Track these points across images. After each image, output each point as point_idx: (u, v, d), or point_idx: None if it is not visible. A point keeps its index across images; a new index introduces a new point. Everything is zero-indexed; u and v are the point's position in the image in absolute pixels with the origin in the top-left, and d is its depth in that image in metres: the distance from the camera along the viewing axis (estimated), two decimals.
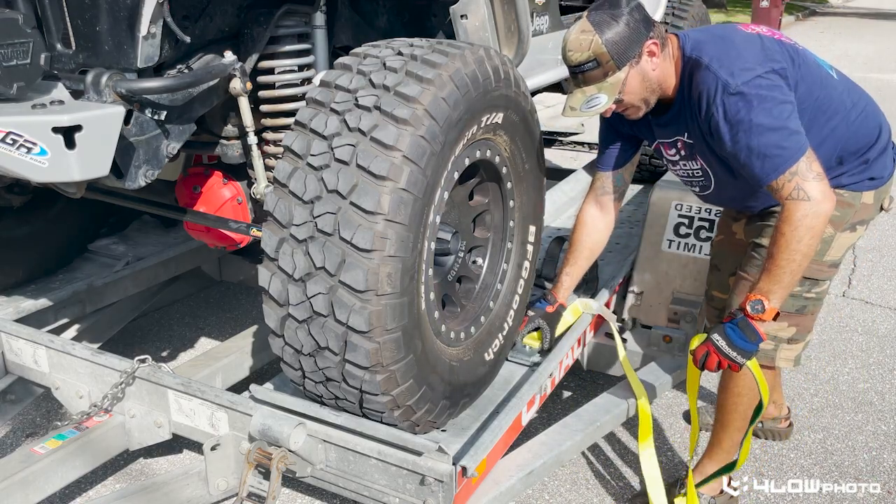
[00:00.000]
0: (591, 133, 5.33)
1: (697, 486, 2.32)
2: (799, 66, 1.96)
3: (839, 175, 2.04)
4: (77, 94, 1.72)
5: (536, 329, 2.37)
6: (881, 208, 2.16)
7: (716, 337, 1.94)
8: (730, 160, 1.94)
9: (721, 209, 2.73)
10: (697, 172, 2.16)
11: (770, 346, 2.14)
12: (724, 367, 1.94)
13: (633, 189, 4.05)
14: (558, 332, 2.43)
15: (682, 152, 2.13)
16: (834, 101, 2.01)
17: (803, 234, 1.81)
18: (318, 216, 1.66)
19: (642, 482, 2.43)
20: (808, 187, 1.81)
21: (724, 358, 1.93)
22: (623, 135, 2.28)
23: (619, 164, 2.31)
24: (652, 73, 1.97)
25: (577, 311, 2.53)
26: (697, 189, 2.23)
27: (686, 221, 2.84)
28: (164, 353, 3.36)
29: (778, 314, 1.91)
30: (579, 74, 1.95)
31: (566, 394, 3.06)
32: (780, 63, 1.89)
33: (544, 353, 2.37)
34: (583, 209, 2.40)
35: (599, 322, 2.70)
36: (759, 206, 2.19)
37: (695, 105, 1.94)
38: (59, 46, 1.78)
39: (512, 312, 2.30)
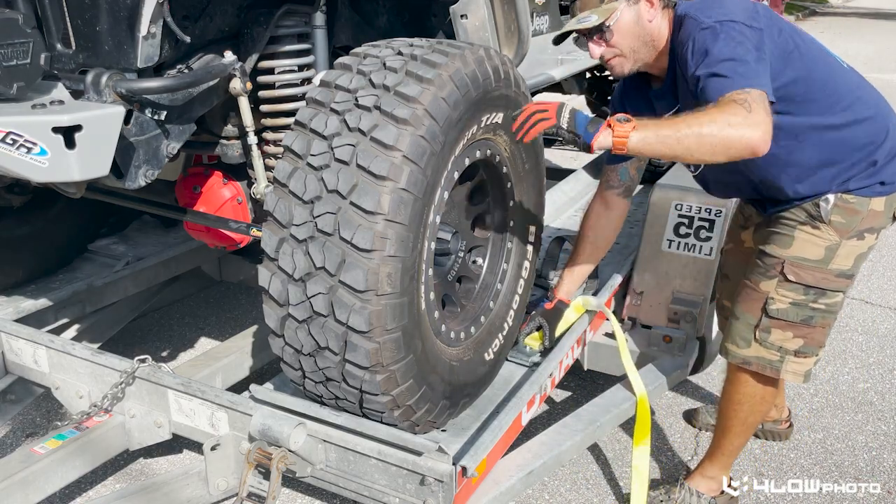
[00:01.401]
0: None
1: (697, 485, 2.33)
2: (791, 37, 1.93)
3: (847, 180, 1.99)
4: (77, 94, 1.72)
5: (538, 328, 2.37)
6: (894, 218, 2.09)
7: (569, 106, 1.81)
8: (699, 99, 1.87)
9: (721, 209, 2.74)
10: None
11: (776, 357, 2.10)
12: (538, 119, 1.79)
13: None
14: (560, 330, 2.42)
15: None
16: (840, 86, 1.98)
17: (716, 118, 1.68)
18: (318, 216, 1.66)
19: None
20: (756, 107, 1.69)
21: (546, 115, 1.79)
22: None
23: (623, 157, 2.29)
24: (647, 23, 1.99)
25: (580, 309, 2.52)
26: (692, 168, 2.20)
27: (686, 221, 2.84)
28: (164, 353, 3.36)
29: (626, 142, 1.72)
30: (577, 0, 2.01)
31: (566, 394, 3.06)
32: (761, 26, 1.86)
33: (545, 352, 2.38)
34: (589, 205, 2.41)
35: (599, 321, 2.70)
36: (751, 190, 2.14)
37: (681, 60, 1.93)
38: (59, 46, 1.79)
39: (512, 312, 2.30)
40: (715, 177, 2.19)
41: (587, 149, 1.79)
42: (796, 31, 1.98)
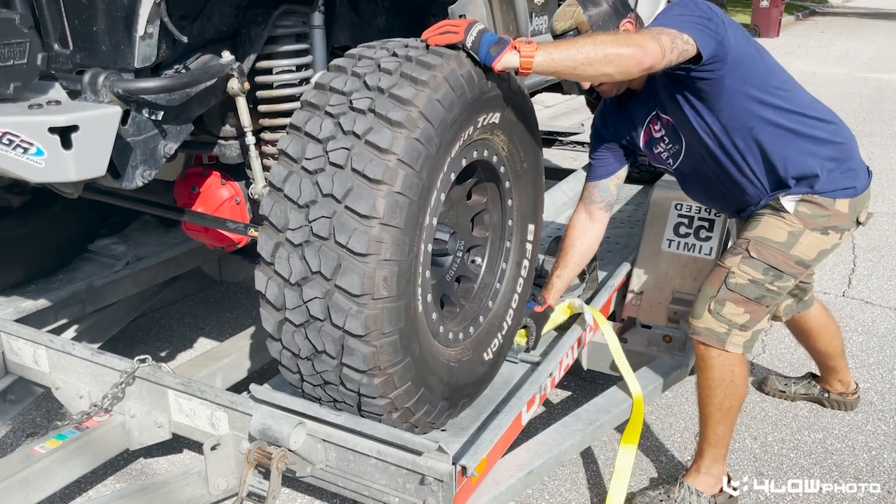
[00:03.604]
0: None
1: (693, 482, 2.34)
2: (755, 47, 2.09)
3: (805, 178, 2.13)
4: (74, 94, 1.72)
5: (524, 328, 2.43)
6: (858, 222, 2.22)
7: (479, 25, 1.87)
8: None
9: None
10: (674, 139, 2.26)
11: (723, 329, 2.19)
12: (446, 31, 1.84)
13: (633, 189, 4.06)
14: (546, 330, 2.50)
15: (663, 121, 2.26)
16: (796, 94, 2.14)
17: (610, 36, 1.91)
18: (314, 220, 1.66)
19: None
20: (647, 34, 1.89)
21: (455, 30, 1.84)
22: (609, 144, 2.41)
23: (603, 175, 2.44)
24: None
25: (567, 311, 2.58)
26: (671, 161, 2.32)
27: (686, 221, 2.84)
28: (164, 353, 3.36)
29: (531, 62, 1.82)
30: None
31: (566, 394, 3.06)
32: (723, 20, 2.00)
33: (528, 350, 2.43)
34: (573, 215, 2.51)
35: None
36: (724, 192, 2.26)
37: None
38: (56, 46, 1.78)
39: (511, 311, 2.29)
40: (692, 168, 2.30)
41: (489, 70, 1.87)
42: (762, 47, 2.15)
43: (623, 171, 2.46)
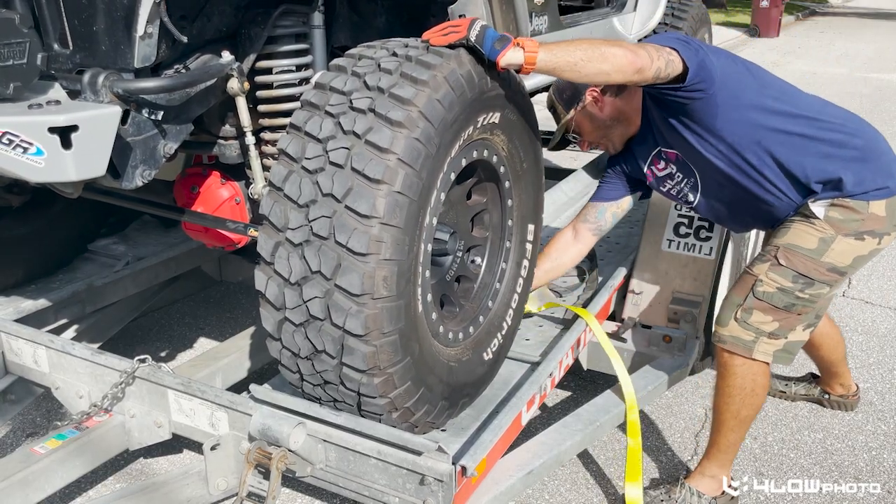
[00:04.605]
0: None
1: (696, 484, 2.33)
2: (743, 64, 2.14)
3: (831, 182, 2.07)
4: (74, 94, 1.72)
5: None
6: None
7: (481, 21, 1.89)
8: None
9: None
10: (687, 173, 2.26)
11: (750, 337, 2.15)
12: (448, 31, 1.85)
13: None
14: None
15: (669, 157, 2.27)
16: (799, 100, 2.15)
17: (608, 41, 1.93)
18: (314, 220, 1.66)
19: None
20: (640, 46, 1.95)
21: (457, 29, 1.84)
22: (619, 174, 2.47)
23: (606, 198, 2.48)
24: (600, 114, 2.32)
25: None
26: (691, 197, 2.33)
27: (686, 221, 2.84)
28: (164, 353, 3.36)
29: (533, 63, 1.85)
30: (553, 117, 2.43)
31: (566, 394, 3.06)
32: (703, 47, 2.03)
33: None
34: (564, 228, 2.55)
35: (602, 320, 2.70)
36: (754, 213, 2.24)
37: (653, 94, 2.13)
38: (56, 46, 1.78)
39: (511, 311, 2.29)
40: (715, 198, 2.29)
41: (493, 66, 1.87)
42: (752, 63, 2.19)
43: (626, 202, 2.48)
